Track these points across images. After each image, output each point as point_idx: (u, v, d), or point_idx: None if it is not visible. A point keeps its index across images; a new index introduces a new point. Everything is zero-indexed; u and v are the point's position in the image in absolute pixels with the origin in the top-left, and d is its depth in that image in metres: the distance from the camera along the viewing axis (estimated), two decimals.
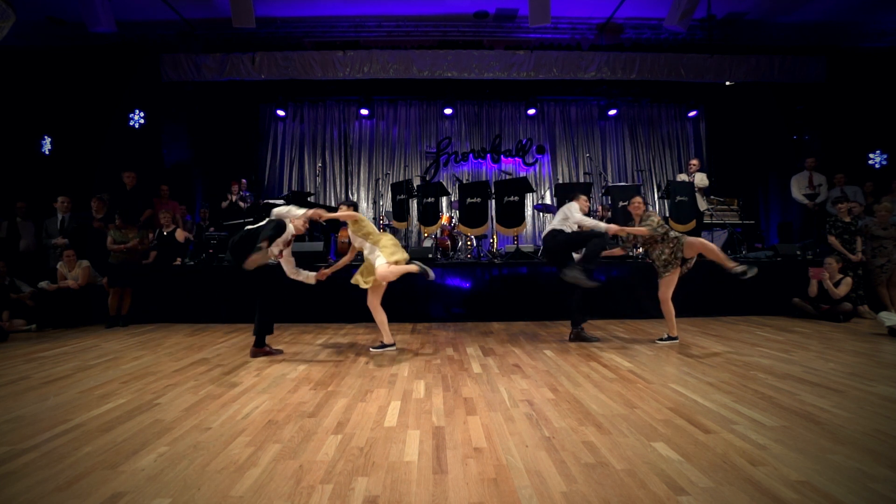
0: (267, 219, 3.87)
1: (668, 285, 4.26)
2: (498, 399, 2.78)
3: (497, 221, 6.80)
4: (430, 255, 6.28)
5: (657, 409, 2.56)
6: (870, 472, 1.81)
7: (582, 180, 9.44)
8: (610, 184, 8.71)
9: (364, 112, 9.84)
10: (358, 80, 8.36)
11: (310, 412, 2.58)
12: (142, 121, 8.30)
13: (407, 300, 5.90)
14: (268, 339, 4.10)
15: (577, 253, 4.45)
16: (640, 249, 6.60)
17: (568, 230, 4.34)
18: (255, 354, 3.99)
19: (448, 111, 9.84)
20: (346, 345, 4.50)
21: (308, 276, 4.17)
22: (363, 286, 4.10)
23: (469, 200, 6.80)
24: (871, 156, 8.55)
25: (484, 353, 4.06)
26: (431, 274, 3.93)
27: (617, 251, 4.77)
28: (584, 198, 4.59)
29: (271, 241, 3.72)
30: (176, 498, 1.69)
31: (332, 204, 9.37)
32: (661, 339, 4.38)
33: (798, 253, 6.54)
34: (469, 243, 7.74)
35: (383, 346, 4.18)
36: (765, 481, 1.75)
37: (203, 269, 6.18)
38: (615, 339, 4.59)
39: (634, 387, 2.98)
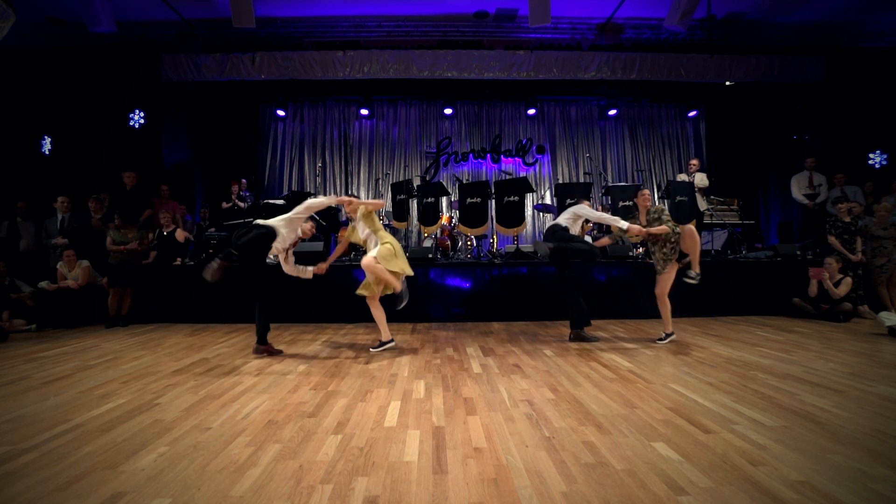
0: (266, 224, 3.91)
1: (666, 281, 4.30)
2: (498, 399, 2.78)
3: (497, 221, 6.81)
4: (430, 255, 6.27)
5: (657, 409, 2.56)
6: (870, 472, 1.81)
7: (582, 180, 9.44)
8: (610, 184, 8.72)
9: (364, 112, 9.84)
10: (358, 80, 8.37)
11: (310, 412, 2.58)
12: (142, 121, 8.30)
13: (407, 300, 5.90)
14: (268, 338, 4.10)
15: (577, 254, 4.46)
16: (641, 249, 6.62)
17: (575, 230, 4.42)
18: (258, 352, 4.03)
19: (448, 111, 9.84)
20: (346, 345, 4.50)
21: (306, 271, 4.23)
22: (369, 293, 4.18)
23: (469, 200, 6.80)
24: (871, 156, 8.55)
25: (484, 353, 4.06)
26: (403, 302, 4.06)
27: (605, 241, 4.82)
28: (587, 202, 4.68)
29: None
30: (176, 498, 1.69)
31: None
32: (660, 339, 4.38)
33: (798, 253, 6.53)
34: (469, 243, 7.74)
35: (382, 343, 4.19)
36: (765, 481, 1.75)
37: (203, 270, 6.15)
38: (615, 339, 4.59)
39: (634, 387, 2.98)
